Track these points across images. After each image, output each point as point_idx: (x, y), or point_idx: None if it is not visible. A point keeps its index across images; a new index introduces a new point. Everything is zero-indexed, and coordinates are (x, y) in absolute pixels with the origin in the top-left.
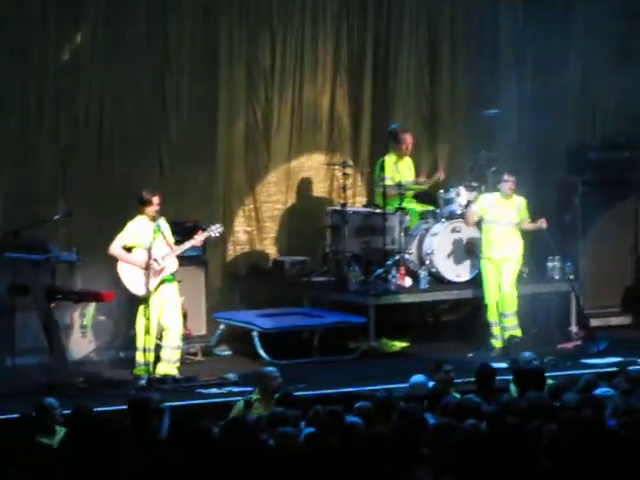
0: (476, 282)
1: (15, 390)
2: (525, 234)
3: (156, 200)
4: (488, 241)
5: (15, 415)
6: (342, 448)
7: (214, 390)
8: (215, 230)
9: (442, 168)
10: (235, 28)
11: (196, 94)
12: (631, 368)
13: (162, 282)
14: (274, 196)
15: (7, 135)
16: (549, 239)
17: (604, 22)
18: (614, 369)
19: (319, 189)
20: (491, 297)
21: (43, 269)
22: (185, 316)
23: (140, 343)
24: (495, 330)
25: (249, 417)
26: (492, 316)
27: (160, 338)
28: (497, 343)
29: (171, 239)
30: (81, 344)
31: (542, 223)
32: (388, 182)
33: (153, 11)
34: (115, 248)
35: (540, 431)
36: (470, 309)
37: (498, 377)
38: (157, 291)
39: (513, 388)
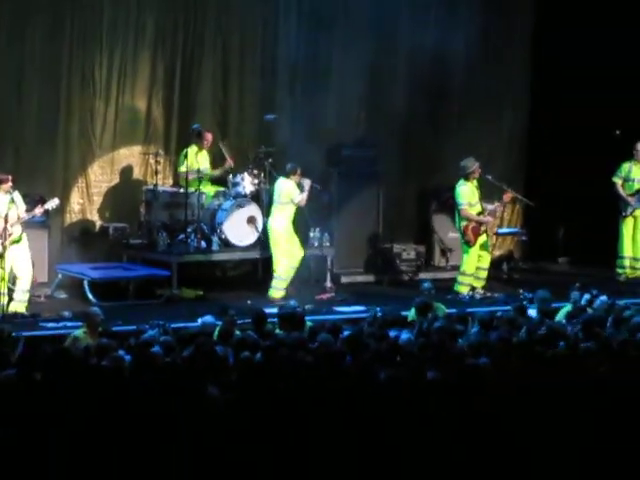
0: (255, 246)
1: None
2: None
3: (9, 179)
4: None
5: None
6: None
7: (53, 324)
8: (52, 203)
9: (231, 159)
10: (74, 47)
11: (42, 96)
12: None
13: (13, 242)
14: (101, 176)
15: None
16: (306, 212)
17: (357, 40)
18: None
19: (137, 172)
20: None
21: None
22: (32, 267)
23: None
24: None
25: (79, 345)
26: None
27: (13, 283)
28: (278, 295)
29: (22, 208)
30: None
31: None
32: (182, 169)
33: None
34: None
35: (302, 362)
36: (250, 267)
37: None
38: (9, 249)
39: (279, 329)
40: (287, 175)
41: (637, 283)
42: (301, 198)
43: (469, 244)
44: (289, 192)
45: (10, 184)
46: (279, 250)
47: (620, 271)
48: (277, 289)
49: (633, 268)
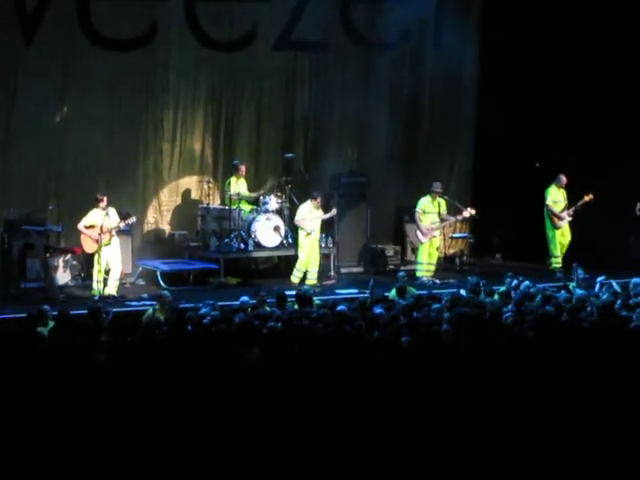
0: (278, 247)
1: (25, 300)
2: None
3: (104, 199)
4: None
5: (25, 314)
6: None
7: (135, 303)
8: (131, 220)
9: (265, 188)
10: (150, 104)
11: (127, 140)
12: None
13: (104, 245)
14: (169, 198)
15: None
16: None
17: (352, 100)
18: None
19: (194, 195)
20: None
21: (42, 235)
22: (121, 263)
23: (95, 276)
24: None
25: (153, 318)
26: (305, 266)
27: (107, 274)
28: (296, 280)
29: (116, 221)
30: (63, 276)
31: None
32: (231, 192)
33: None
34: (80, 226)
35: (308, 330)
36: (275, 261)
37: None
38: (103, 249)
39: (296, 306)
40: (309, 199)
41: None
42: (297, 220)
43: (421, 241)
44: (298, 212)
45: (105, 203)
46: (301, 251)
47: (556, 266)
48: (295, 277)
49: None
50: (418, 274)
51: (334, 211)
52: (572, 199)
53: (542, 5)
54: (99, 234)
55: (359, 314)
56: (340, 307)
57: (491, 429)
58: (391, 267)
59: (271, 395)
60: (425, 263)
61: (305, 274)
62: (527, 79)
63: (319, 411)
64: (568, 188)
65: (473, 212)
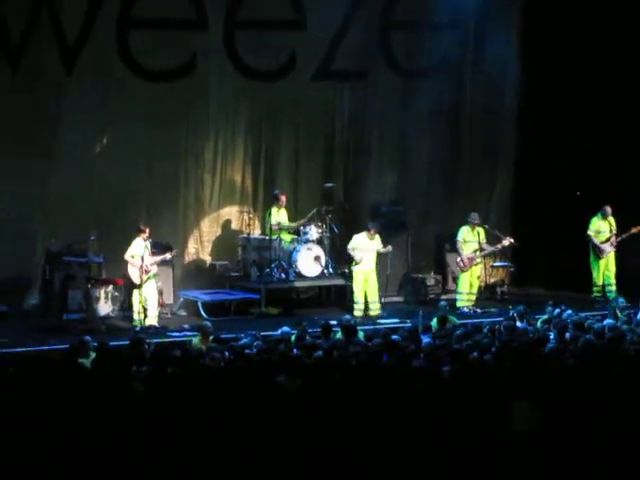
0: (319, 277)
1: (67, 332)
2: None
3: (147, 230)
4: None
5: (67, 345)
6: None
7: (176, 333)
8: (175, 252)
9: (304, 219)
10: (189, 135)
11: (167, 171)
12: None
13: (149, 278)
14: (210, 228)
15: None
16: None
17: (388, 133)
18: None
19: (235, 225)
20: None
21: (84, 266)
22: (161, 293)
23: (136, 308)
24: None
25: (194, 349)
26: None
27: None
28: (359, 313)
29: (150, 255)
30: (104, 307)
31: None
32: (267, 222)
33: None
34: (127, 256)
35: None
36: (317, 291)
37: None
38: (146, 281)
39: (339, 335)
40: (365, 230)
41: (597, 302)
42: (349, 248)
43: (462, 270)
44: (351, 241)
45: (147, 234)
46: (355, 283)
47: (597, 294)
48: (356, 310)
49: (609, 291)
50: (459, 304)
51: (389, 248)
52: (620, 229)
53: (587, 23)
54: (141, 265)
55: (408, 343)
56: (394, 337)
57: (532, 458)
58: (432, 296)
59: (309, 425)
60: (466, 292)
61: (367, 305)
62: (569, 102)
63: (357, 438)
64: (616, 217)
65: (512, 241)
